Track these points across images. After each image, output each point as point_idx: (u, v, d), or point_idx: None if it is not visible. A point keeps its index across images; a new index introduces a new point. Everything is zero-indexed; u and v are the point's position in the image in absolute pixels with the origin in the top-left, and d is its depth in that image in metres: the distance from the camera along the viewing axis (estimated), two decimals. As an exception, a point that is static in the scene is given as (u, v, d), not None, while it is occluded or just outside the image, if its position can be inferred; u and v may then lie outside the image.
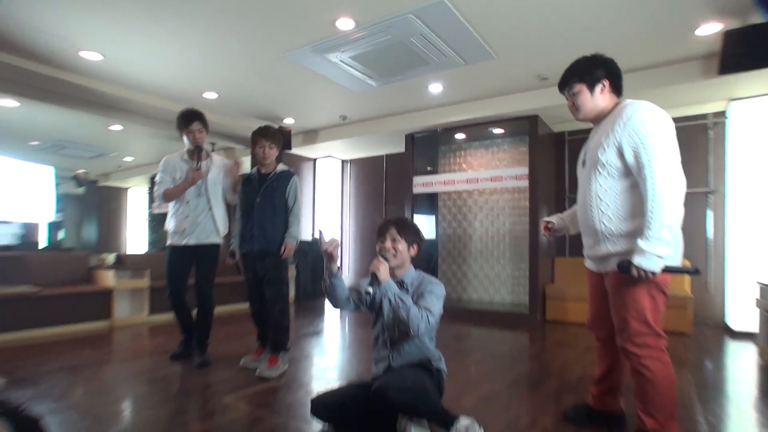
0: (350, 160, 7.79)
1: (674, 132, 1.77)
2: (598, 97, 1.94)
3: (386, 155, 7.30)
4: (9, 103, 5.28)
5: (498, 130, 5.74)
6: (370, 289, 1.94)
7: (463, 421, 1.82)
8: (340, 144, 6.69)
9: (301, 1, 3.18)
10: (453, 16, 3.31)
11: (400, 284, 2.09)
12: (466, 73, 4.42)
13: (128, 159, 8.66)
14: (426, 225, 6.45)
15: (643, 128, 1.72)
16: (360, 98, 5.18)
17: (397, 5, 3.20)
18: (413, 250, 2.13)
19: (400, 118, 5.83)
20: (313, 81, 4.63)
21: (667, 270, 1.74)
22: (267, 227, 3.03)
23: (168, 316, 4.84)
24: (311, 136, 6.68)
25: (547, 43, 3.77)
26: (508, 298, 5.86)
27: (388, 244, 2.09)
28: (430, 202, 6.45)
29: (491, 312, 5.33)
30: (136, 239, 10.58)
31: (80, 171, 9.56)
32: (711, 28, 3.49)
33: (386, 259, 2.03)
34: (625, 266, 1.74)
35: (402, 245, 2.08)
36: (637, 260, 1.69)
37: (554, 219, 2.28)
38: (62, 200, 9.92)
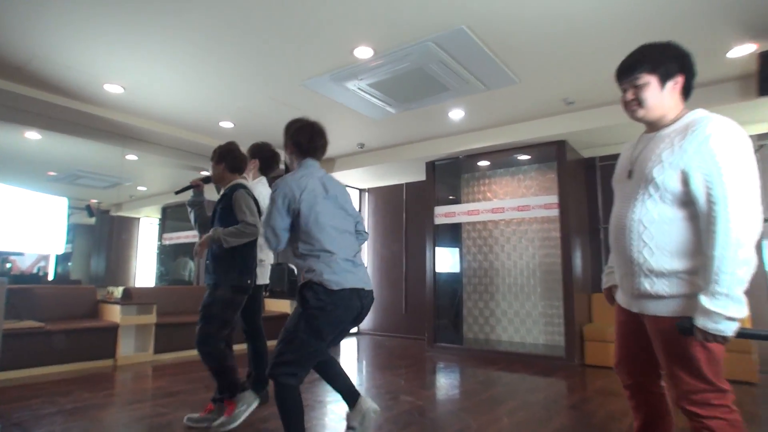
0: (368, 189, 7.90)
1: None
2: (668, 95, 1.63)
3: (406, 184, 7.39)
4: (32, 135, 5.62)
5: (524, 157, 5.79)
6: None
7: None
8: (358, 172, 6.81)
9: (319, 31, 3.35)
10: (473, 43, 3.43)
11: None
12: (488, 99, 4.52)
13: (141, 188, 9.00)
14: (449, 258, 6.46)
15: (724, 155, 1.45)
16: (378, 125, 5.32)
17: (416, 33, 3.34)
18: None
19: (420, 145, 5.94)
20: (331, 109, 4.79)
21: (742, 335, 1.47)
22: (213, 255, 2.88)
23: (173, 356, 4.93)
24: (328, 164, 6.84)
25: (571, 67, 3.86)
26: (541, 339, 5.77)
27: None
28: (453, 234, 6.47)
29: (523, 354, 5.25)
30: (145, 271, 10.80)
31: (93, 201, 9.92)
32: (744, 50, 3.53)
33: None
34: (685, 329, 1.49)
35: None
36: (702, 322, 1.44)
37: (609, 279, 1.95)
38: (73, 230, 10.25)
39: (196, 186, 3.10)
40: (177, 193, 3.22)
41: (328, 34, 3.39)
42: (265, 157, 3.48)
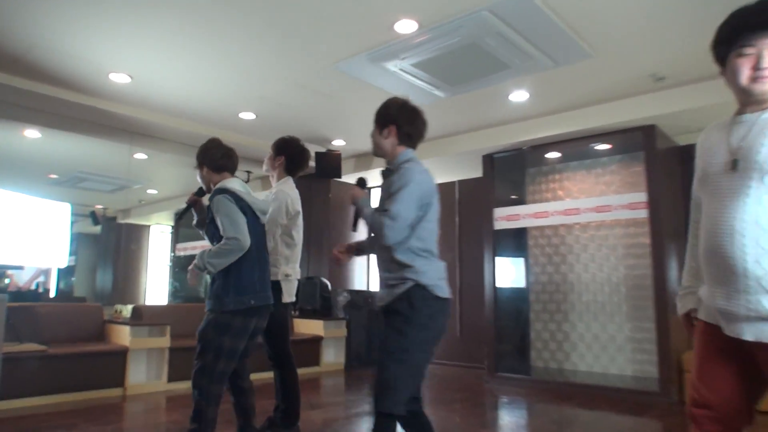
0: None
1: None
2: None
3: (459, 181, 7.40)
4: (32, 133, 5.97)
5: (603, 146, 5.70)
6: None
7: None
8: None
9: (353, 4, 3.42)
10: (537, 10, 3.42)
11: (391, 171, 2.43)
12: (557, 77, 4.49)
13: (152, 192, 9.37)
14: (512, 270, 6.42)
15: None
16: (425, 113, 5.33)
17: (468, 1, 3.36)
18: (389, 133, 2.44)
19: (476, 135, 5.95)
20: (368, 95, 4.86)
21: None
22: (210, 276, 2.90)
23: (189, 385, 5.08)
24: (365, 160, 6.94)
25: (659, 35, 3.79)
26: (628, 370, 5.65)
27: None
28: (516, 241, 6.43)
29: (605, 388, 5.17)
30: (157, 287, 11.20)
31: (98, 207, 10.38)
32: None
33: None
34: None
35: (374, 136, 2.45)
36: None
37: (688, 301, 1.86)
38: (76, 241, 10.73)
39: (194, 203, 3.11)
40: (179, 218, 3.34)
41: (363, 6, 3.46)
42: (292, 154, 3.54)
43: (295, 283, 3.44)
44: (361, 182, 2.55)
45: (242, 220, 2.79)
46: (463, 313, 7.08)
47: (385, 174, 2.46)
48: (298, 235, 3.44)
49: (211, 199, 2.87)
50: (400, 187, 2.23)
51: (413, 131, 2.49)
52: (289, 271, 3.36)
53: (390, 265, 2.26)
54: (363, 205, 2.35)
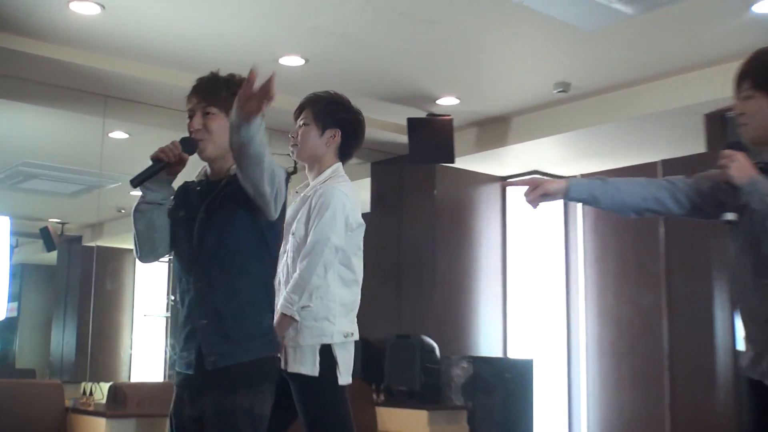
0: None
1: None
2: None
3: (662, 161, 7.26)
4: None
5: None
6: (731, 218, 2.40)
7: None
8: (560, 144, 6.80)
9: None
10: None
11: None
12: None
13: (136, 194, 9.59)
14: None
15: None
16: (599, 45, 5.32)
17: None
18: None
19: (688, 78, 5.84)
20: (498, 18, 4.82)
21: None
22: (219, 304, 2.78)
23: None
24: (495, 130, 6.94)
25: None
26: None
27: (738, 106, 2.52)
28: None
29: None
30: (147, 350, 11.40)
31: (53, 221, 10.75)
32: None
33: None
34: None
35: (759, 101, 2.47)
36: None
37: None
38: (20, 276, 11.13)
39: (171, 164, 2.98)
40: (137, 185, 3.05)
41: None
42: (352, 124, 3.57)
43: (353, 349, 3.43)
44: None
45: None
46: (677, 394, 6.95)
47: None
48: (360, 264, 3.44)
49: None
50: None
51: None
52: (349, 327, 3.35)
53: None
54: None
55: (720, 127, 5.87)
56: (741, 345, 3.28)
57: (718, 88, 5.64)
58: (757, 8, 4.74)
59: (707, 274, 6.07)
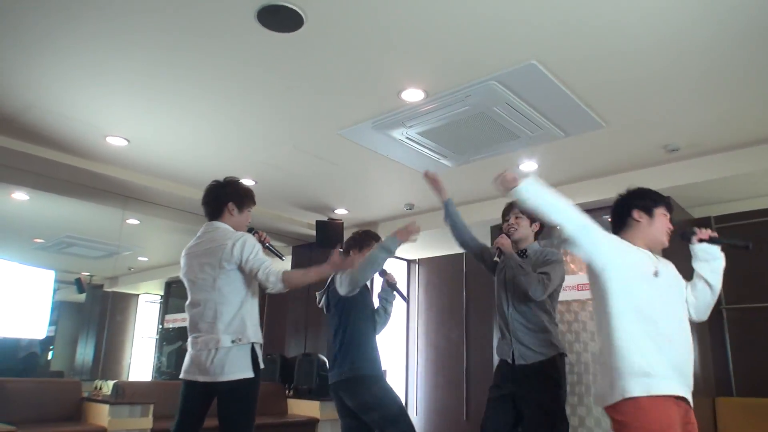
0: (419, 260, 7.93)
1: None
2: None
3: (466, 253, 7.34)
4: (20, 196, 6.04)
5: (617, 219, 5.72)
6: (498, 259, 3.25)
7: None
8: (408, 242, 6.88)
9: (359, 72, 3.55)
10: (546, 80, 3.54)
11: (522, 253, 3.25)
12: (567, 147, 4.58)
13: (142, 259, 9.35)
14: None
15: None
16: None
17: (476, 71, 3.49)
18: (535, 227, 3.32)
19: (484, 205, 6.01)
20: (373, 162, 4.96)
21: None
22: None
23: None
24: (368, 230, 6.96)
25: (672, 106, 3.90)
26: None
27: (512, 220, 3.34)
28: (527, 317, 6.36)
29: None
30: (142, 361, 10.98)
31: (84, 274, 10.34)
32: None
33: (510, 235, 3.31)
34: None
35: (524, 222, 3.30)
36: None
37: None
38: (58, 309, 10.58)
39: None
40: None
41: (371, 75, 3.58)
42: None
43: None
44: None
45: None
46: (470, 395, 6.95)
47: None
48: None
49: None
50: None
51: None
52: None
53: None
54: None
55: (498, 234, 6.07)
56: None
57: (498, 212, 5.90)
58: (523, 168, 5.00)
59: (489, 318, 6.16)
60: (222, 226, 3.04)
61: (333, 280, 3.47)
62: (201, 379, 2.79)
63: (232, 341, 2.76)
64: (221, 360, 2.74)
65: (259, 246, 2.95)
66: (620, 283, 2.18)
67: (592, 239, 2.25)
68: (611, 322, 2.15)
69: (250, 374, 2.79)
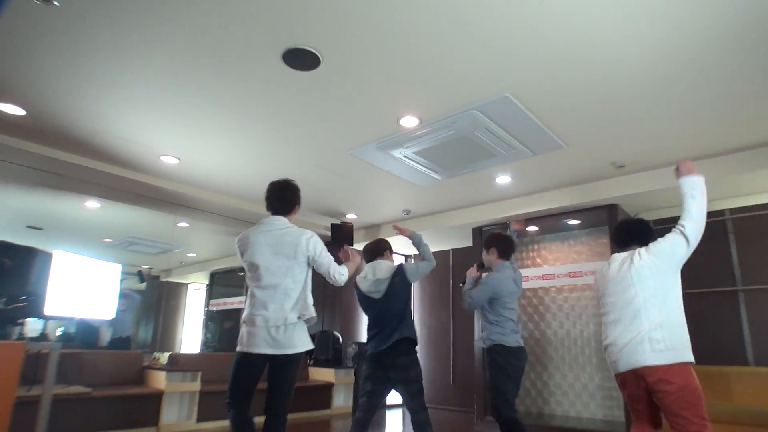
0: (414, 256, 7.89)
1: None
2: None
3: (452, 250, 7.36)
4: (92, 204, 6.03)
5: (574, 221, 5.69)
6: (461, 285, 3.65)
7: None
8: (404, 239, 6.84)
9: (366, 102, 3.52)
10: (518, 110, 3.50)
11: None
12: (535, 164, 4.54)
13: (191, 255, 9.34)
14: (498, 326, 6.27)
15: None
16: (424, 192, 5.40)
17: (461, 102, 3.46)
18: (493, 254, 3.60)
19: (467, 210, 5.97)
20: (377, 176, 4.92)
21: None
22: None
23: (215, 424, 4.90)
24: (373, 231, 6.92)
25: (619, 131, 3.88)
26: (599, 414, 5.42)
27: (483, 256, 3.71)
28: (501, 301, 6.32)
29: (579, 430, 4.94)
30: (191, 337, 10.95)
31: (144, 267, 10.31)
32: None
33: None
34: None
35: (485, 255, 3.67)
36: None
37: None
38: (122, 296, 10.54)
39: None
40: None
41: (375, 105, 3.56)
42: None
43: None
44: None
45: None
46: (456, 364, 6.89)
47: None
48: None
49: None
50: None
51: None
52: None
53: None
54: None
55: (478, 234, 6.09)
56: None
57: (478, 216, 5.89)
58: (499, 181, 4.98)
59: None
60: (290, 223, 2.93)
61: (398, 272, 3.37)
62: (269, 351, 2.64)
63: (298, 317, 2.71)
64: (290, 334, 2.67)
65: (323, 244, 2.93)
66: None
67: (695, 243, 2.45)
68: (680, 302, 2.47)
69: (311, 346, 2.78)
